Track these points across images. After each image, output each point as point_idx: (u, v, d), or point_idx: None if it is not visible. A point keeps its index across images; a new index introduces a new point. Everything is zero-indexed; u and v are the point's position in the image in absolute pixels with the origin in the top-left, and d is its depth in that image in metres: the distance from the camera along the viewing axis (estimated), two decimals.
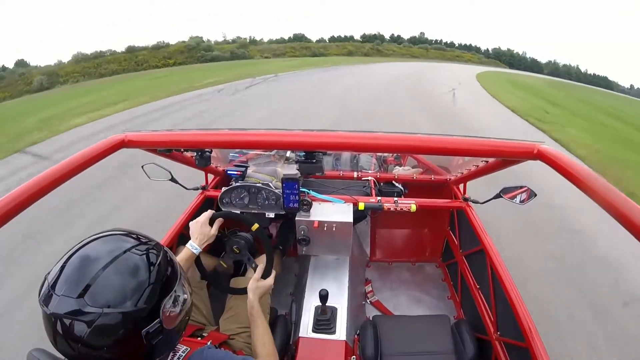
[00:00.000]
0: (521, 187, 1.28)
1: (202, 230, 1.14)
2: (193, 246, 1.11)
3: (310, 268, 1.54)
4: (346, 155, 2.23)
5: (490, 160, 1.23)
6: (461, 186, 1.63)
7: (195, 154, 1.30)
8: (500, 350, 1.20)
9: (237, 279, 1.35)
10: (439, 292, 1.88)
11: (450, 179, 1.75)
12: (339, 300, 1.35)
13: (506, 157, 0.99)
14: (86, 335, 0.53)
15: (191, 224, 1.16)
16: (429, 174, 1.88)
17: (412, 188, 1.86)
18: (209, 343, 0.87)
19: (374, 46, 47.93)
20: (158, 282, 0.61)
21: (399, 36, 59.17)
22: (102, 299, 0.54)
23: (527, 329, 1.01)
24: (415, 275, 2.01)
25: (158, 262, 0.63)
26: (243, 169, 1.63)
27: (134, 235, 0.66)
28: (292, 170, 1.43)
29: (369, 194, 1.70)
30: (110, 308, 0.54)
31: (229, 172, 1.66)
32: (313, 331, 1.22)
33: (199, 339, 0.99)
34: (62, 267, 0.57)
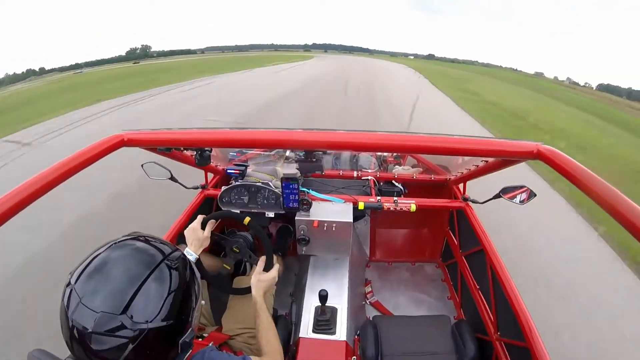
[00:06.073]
0: (521, 187, 1.27)
1: (196, 236, 1.14)
2: (189, 253, 1.11)
3: (310, 268, 1.53)
4: (346, 154, 2.23)
5: (490, 159, 1.23)
6: (461, 186, 1.63)
7: (195, 152, 1.29)
8: (500, 351, 1.19)
9: (239, 279, 1.34)
10: (439, 292, 1.88)
11: (450, 178, 1.75)
12: (339, 301, 1.34)
13: (506, 156, 0.99)
14: (129, 351, 0.51)
15: (185, 231, 1.16)
16: (429, 174, 1.87)
17: (411, 188, 1.85)
18: (210, 344, 0.87)
19: None
20: (189, 292, 0.61)
21: None
22: (144, 315, 0.53)
23: (527, 329, 1.00)
24: (415, 275, 2.01)
25: (187, 272, 0.63)
26: (243, 168, 1.63)
27: (155, 244, 0.64)
28: (292, 169, 1.43)
29: (368, 194, 1.70)
30: (153, 322, 0.53)
31: (228, 171, 1.66)
32: (313, 332, 1.20)
33: (200, 339, 0.99)
34: (91, 279, 0.54)
